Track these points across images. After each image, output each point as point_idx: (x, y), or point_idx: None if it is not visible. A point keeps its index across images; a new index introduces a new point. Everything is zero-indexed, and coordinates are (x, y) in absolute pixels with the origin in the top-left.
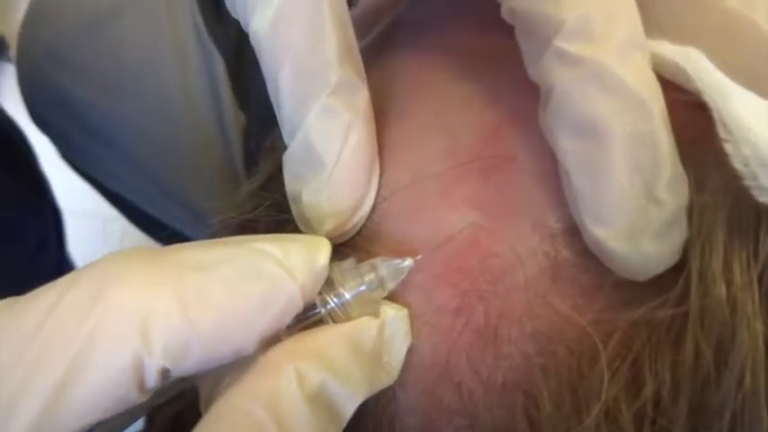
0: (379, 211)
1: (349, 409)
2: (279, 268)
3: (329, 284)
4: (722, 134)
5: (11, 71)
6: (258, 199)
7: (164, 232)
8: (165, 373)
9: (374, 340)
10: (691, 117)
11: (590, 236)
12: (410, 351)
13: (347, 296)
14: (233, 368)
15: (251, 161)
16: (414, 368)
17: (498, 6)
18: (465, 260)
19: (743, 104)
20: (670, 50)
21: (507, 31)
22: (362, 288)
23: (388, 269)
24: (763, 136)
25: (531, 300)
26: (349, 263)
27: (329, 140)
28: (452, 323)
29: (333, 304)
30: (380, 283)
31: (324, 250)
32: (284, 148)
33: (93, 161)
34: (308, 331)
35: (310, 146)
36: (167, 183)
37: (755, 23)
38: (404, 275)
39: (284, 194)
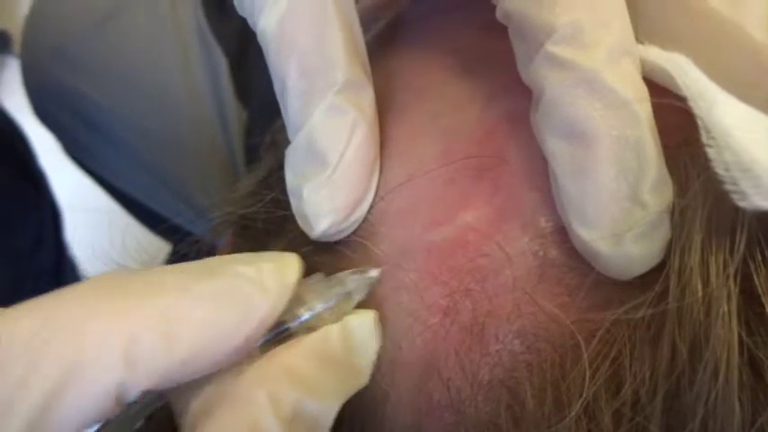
0: (375, 210)
1: (327, 420)
2: (252, 288)
3: (299, 300)
4: (705, 139)
5: (13, 65)
6: (258, 195)
7: (164, 226)
8: (145, 392)
9: (340, 347)
10: (678, 122)
11: (576, 236)
12: (401, 348)
13: (316, 310)
14: (206, 380)
15: (252, 157)
16: (405, 365)
17: (494, 8)
18: (455, 259)
19: (727, 111)
20: (659, 56)
21: (504, 32)
22: (330, 302)
23: (355, 282)
24: (745, 142)
25: (518, 299)
26: (317, 277)
27: (334, 138)
28: (442, 321)
29: (303, 319)
30: (348, 295)
31: (293, 267)
32: (286, 144)
33: (96, 157)
34: (276, 349)
35: (314, 143)
36: (169, 178)
37: (743, 30)
38: (371, 286)
39: (284, 191)
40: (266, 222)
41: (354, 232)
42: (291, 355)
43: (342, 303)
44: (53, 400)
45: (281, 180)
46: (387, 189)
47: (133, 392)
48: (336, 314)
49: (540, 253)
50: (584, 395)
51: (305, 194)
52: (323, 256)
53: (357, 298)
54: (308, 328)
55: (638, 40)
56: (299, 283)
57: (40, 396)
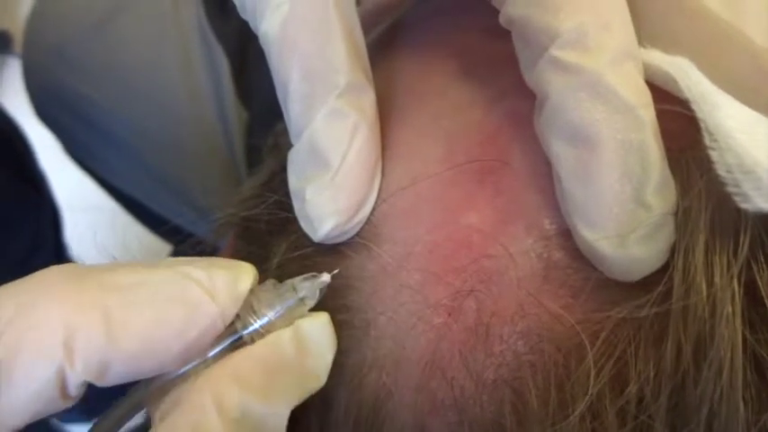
0: (378, 212)
1: (277, 422)
2: (201, 292)
3: (252, 308)
4: (708, 142)
5: (14, 64)
6: (261, 197)
7: (165, 227)
8: (86, 384)
9: (292, 350)
10: (681, 125)
11: (581, 238)
12: (405, 348)
13: (268, 317)
14: (169, 389)
15: (253, 157)
16: (408, 364)
17: (496, 12)
18: (459, 260)
19: (729, 113)
20: (662, 60)
21: (506, 36)
22: (282, 309)
23: (307, 288)
24: (747, 145)
25: (522, 299)
26: (269, 285)
27: (336, 141)
28: (446, 321)
29: (255, 326)
30: (301, 301)
31: (246, 275)
32: (288, 146)
33: (96, 157)
34: (225, 357)
35: (316, 145)
36: (169, 178)
37: (743, 35)
38: (324, 291)
39: (287, 193)
40: (269, 224)
41: (357, 234)
42: (239, 359)
43: (294, 309)
44: None
45: (284, 182)
46: (389, 191)
47: (74, 382)
48: (289, 320)
49: (544, 255)
50: (589, 393)
51: (308, 197)
52: (325, 258)
53: (310, 303)
54: (263, 335)
55: (641, 43)
56: (252, 291)
57: None
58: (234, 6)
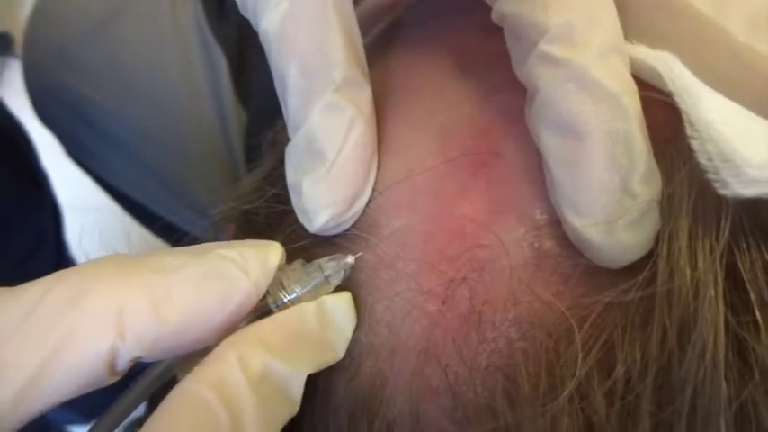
0: (374, 204)
1: (295, 384)
2: (236, 269)
3: (281, 285)
4: (689, 132)
5: (15, 66)
6: (260, 190)
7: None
8: (136, 359)
9: (314, 322)
10: (666, 117)
11: (569, 226)
12: (400, 335)
13: (296, 293)
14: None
15: (252, 157)
16: (403, 351)
17: (489, 11)
18: (453, 249)
19: (710, 106)
20: (647, 54)
21: (499, 33)
22: (309, 285)
23: (332, 267)
24: (726, 135)
25: (514, 287)
26: (297, 264)
27: (332, 135)
28: (440, 308)
29: (284, 300)
30: (326, 279)
31: (274, 252)
32: (287, 141)
33: (96, 158)
34: (252, 323)
35: (313, 139)
36: (169, 179)
37: (726, 32)
38: (348, 271)
39: (284, 186)
40: (267, 217)
41: (353, 226)
42: (264, 324)
43: (320, 287)
44: (48, 363)
45: (282, 176)
46: (385, 184)
47: (125, 358)
48: (315, 297)
49: (536, 244)
50: (577, 375)
51: (304, 189)
52: (324, 249)
53: (335, 282)
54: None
55: (627, 39)
56: (282, 269)
57: (36, 359)
58: (232, 6)
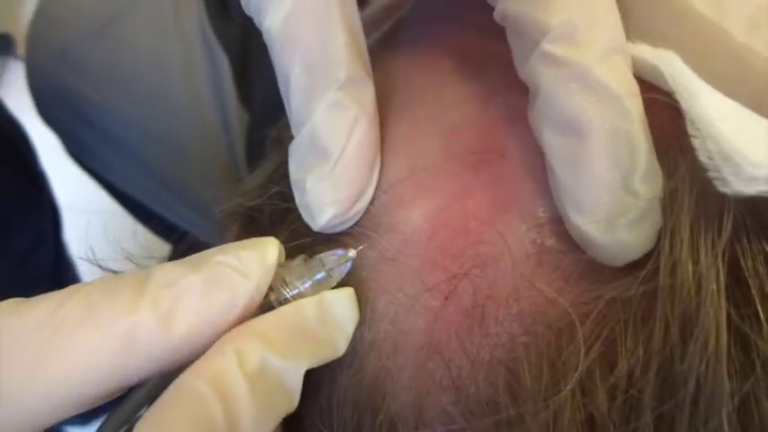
0: (378, 203)
1: (293, 379)
2: (236, 274)
3: (284, 280)
4: (690, 130)
5: (16, 67)
6: (263, 188)
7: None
8: (147, 374)
9: (314, 317)
10: (668, 115)
11: (572, 224)
12: (403, 331)
13: (298, 288)
14: None
15: (254, 159)
16: (407, 347)
17: (491, 12)
18: (456, 246)
19: (710, 104)
20: (648, 53)
21: (501, 34)
22: (311, 280)
23: (333, 262)
24: (726, 133)
25: (517, 283)
26: (299, 260)
27: (335, 132)
28: (443, 304)
29: (285, 296)
30: (328, 274)
31: (271, 248)
32: (290, 139)
33: (97, 158)
34: (252, 319)
35: (317, 137)
36: (171, 180)
37: (726, 32)
38: (350, 266)
39: (288, 184)
40: (271, 215)
41: (356, 223)
42: (263, 319)
43: (322, 284)
44: (61, 378)
45: (286, 174)
46: (388, 183)
47: (136, 376)
48: (317, 292)
49: (538, 241)
50: (579, 369)
51: (308, 187)
52: (327, 247)
53: (337, 276)
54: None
55: (629, 39)
56: (283, 265)
57: (49, 374)
58: (235, 7)
